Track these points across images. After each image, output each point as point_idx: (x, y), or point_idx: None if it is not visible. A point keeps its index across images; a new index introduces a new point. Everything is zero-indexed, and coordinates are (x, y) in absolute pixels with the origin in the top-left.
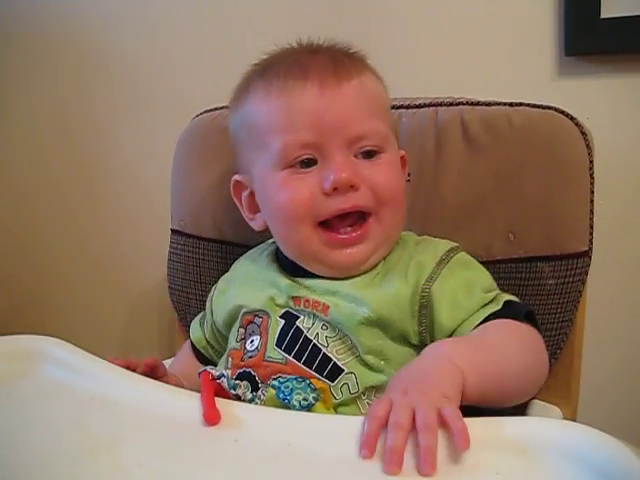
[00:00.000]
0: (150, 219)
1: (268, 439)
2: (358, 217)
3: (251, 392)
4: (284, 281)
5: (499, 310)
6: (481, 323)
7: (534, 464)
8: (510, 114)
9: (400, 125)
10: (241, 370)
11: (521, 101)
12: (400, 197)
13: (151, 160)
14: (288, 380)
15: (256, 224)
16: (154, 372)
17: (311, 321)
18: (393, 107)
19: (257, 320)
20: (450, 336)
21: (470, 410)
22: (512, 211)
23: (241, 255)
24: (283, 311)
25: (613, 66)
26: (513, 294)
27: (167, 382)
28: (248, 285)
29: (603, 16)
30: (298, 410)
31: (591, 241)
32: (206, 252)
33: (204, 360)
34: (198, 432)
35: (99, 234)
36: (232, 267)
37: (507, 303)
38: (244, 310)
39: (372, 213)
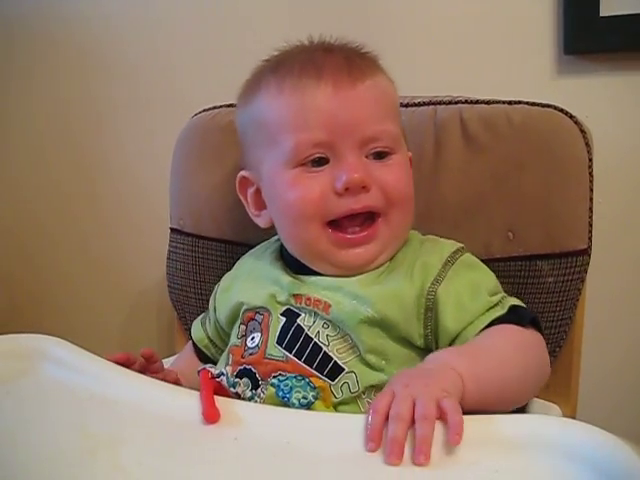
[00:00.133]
0: (150, 219)
1: (268, 437)
2: (367, 217)
3: (251, 390)
4: (286, 279)
5: (504, 315)
6: (486, 327)
7: (533, 462)
8: (509, 112)
9: None
10: (241, 367)
11: (520, 99)
12: (409, 198)
13: (151, 160)
14: (287, 378)
15: (262, 221)
16: (150, 363)
17: (312, 319)
18: None
19: (258, 317)
20: (455, 339)
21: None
22: (511, 209)
23: (240, 253)
24: (284, 309)
25: (612, 64)
26: (512, 292)
27: (164, 377)
28: (250, 282)
29: (602, 14)
30: (297, 408)
31: (590, 239)
32: (205, 251)
33: (205, 359)
34: (198, 431)
35: (99, 234)
36: (236, 265)
37: (512, 308)
38: (245, 307)
39: (381, 214)
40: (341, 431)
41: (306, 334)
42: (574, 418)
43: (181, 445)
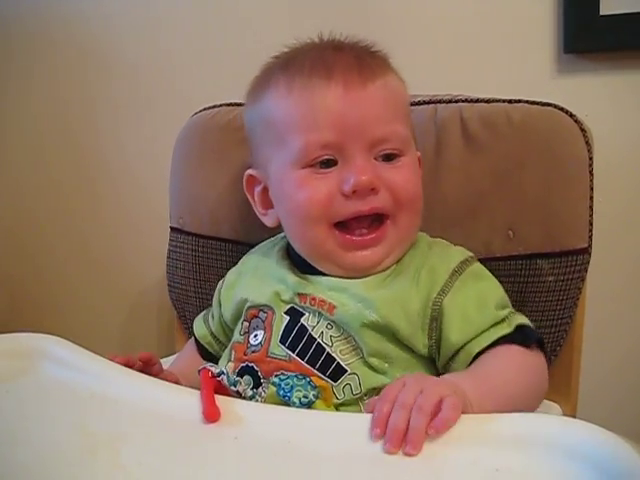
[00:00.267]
0: (150, 218)
1: (268, 436)
2: (374, 219)
3: (252, 389)
4: (292, 277)
5: (510, 333)
6: (490, 345)
7: (534, 460)
8: (509, 111)
9: None
10: (244, 364)
11: (520, 98)
12: (418, 200)
13: (151, 160)
14: (289, 377)
15: (268, 220)
16: (148, 366)
17: (316, 319)
18: None
19: (262, 315)
20: (458, 351)
21: None
22: (511, 208)
23: (241, 252)
24: (288, 307)
25: (612, 63)
26: (513, 291)
27: (164, 378)
28: (256, 279)
29: (602, 13)
30: (298, 407)
31: (590, 238)
32: (205, 249)
33: (208, 356)
34: (198, 430)
35: (99, 234)
36: (241, 260)
37: (519, 327)
38: (249, 304)
39: (389, 215)
40: (342, 430)
41: (310, 334)
42: (574, 417)
43: (181, 444)
